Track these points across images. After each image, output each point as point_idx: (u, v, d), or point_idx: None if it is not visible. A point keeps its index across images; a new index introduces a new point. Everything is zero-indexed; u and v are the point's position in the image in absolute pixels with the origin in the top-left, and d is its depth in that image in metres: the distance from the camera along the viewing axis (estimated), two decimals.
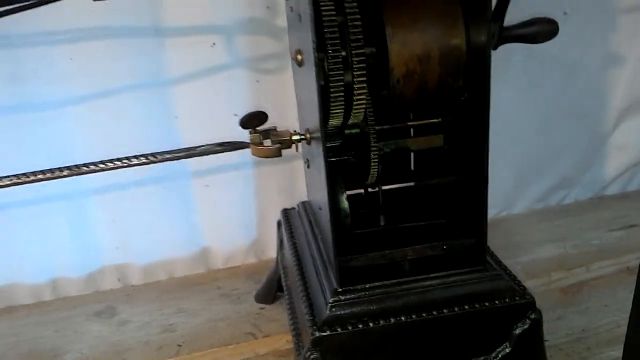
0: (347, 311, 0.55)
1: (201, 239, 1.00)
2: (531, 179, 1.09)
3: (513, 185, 1.07)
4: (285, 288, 0.75)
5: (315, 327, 0.55)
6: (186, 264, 1.01)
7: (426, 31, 0.53)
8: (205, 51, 0.87)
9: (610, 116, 1.08)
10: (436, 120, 0.63)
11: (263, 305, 0.88)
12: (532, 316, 0.57)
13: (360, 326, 0.55)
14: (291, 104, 0.92)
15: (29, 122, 0.85)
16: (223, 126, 0.92)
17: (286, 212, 0.81)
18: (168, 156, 0.64)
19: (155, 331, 0.83)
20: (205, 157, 0.77)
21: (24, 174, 0.69)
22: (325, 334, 0.54)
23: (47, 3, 0.51)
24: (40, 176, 0.70)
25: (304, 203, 0.79)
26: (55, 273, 0.96)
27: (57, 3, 0.60)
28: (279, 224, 0.82)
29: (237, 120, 0.91)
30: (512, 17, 0.58)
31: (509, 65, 0.94)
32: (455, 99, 0.56)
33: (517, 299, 0.57)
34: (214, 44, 0.87)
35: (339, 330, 0.54)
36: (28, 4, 0.50)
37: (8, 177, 0.66)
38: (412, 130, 0.66)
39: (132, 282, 1.00)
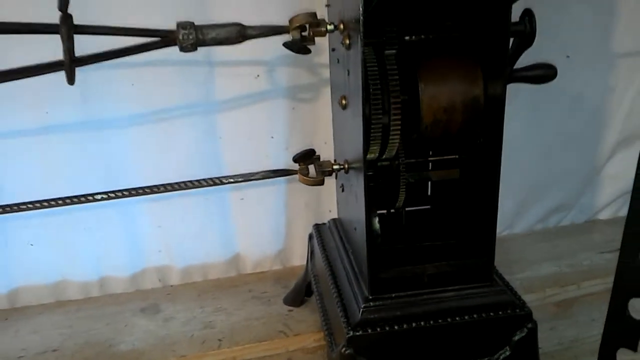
0: (376, 315, 0.66)
1: (234, 245, 1.12)
2: (531, 202, 1.20)
3: (515, 207, 1.18)
4: (316, 293, 0.86)
5: (349, 328, 0.66)
6: (219, 268, 1.13)
7: (451, 86, 0.64)
8: (249, 81, 0.99)
9: (604, 148, 1.20)
10: (454, 157, 0.74)
11: (291, 308, 0.99)
12: (529, 326, 0.68)
13: (387, 328, 0.66)
14: (321, 128, 1.05)
15: (92, 138, 0.96)
16: (261, 146, 1.04)
17: (317, 227, 0.92)
18: (231, 180, 0.75)
19: (197, 327, 0.94)
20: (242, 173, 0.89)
21: (84, 195, 0.81)
22: (358, 333, 0.65)
23: (133, 53, 0.62)
24: (98, 197, 0.82)
25: (334, 220, 0.90)
26: (103, 272, 1.08)
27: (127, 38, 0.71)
28: (310, 237, 0.93)
29: (274, 141, 1.05)
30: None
31: (515, 101, 1.06)
32: (473, 141, 0.68)
33: (517, 310, 0.68)
34: (258, 75, 0.99)
35: (369, 330, 0.66)
36: (118, 52, 0.62)
37: (70, 197, 0.78)
38: (430, 164, 0.77)
39: (170, 282, 1.11)
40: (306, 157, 0.72)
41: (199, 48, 0.63)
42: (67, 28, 0.55)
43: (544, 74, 0.71)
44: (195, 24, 0.62)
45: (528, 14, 0.62)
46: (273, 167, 1.01)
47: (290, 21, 0.64)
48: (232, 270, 1.14)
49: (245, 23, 0.65)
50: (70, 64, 0.56)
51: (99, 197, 0.84)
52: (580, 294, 0.98)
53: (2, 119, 0.92)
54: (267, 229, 1.12)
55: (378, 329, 0.66)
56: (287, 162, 1.06)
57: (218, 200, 1.07)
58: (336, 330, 0.72)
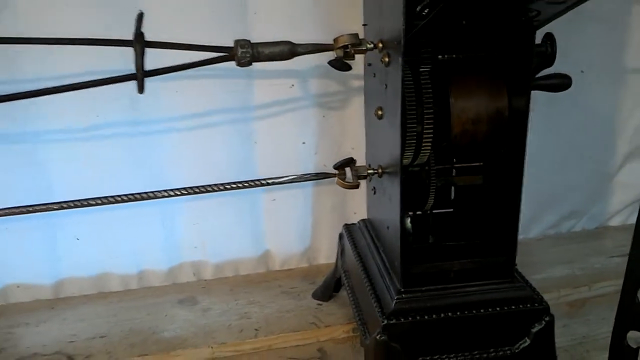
0: (407, 306, 0.73)
1: (264, 243, 1.19)
2: (546, 209, 1.26)
3: (530, 213, 1.25)
4: (347, 287, 0.93)
5: (383, 317, 0.73)
6: (250, 264, 1.19)
7: (479, 100, 0.71)
8: (284, 90, 1.06)
9: (616, 159, 1.26)
10: (478, 164, 0.81)
11: (320, 302, 1.06)
12: (546, 319, 0.75)
13: (417, 317, 0.73)
14: (349, 135, 1.12)
15: (138, 142, 1.04)
16: (292, 151, 1.11)
17: (348, 227, 0.99)
18: (277, 180, 0.82)
19: (234, 317, 1.01)
20: (274, 175, 0.96)
21: (128, 195, 0.88)
22: (391, 322, 0.72)
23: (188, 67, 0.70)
24: (141, 196, 0.90)
25: (363, 220, 0.97)
26: (142, 266, 1.15)
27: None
28: (341, 236, 1.00)
29: (304, 146, 1.12)
30: None
31: (532, 114, 1.12)
32: (496, 150, 0.75)
33: (536, 305, 0.75)
34: (292, 85, 1.06)
35: (402, 319, 0.73)
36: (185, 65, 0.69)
37: (115, 196, 0.86)
38: (454, 170, 0.84)
39: (204, 276, 1.18)
40: (345, 164, 0.79)
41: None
42: (141, 45, 0.62)
43: (560, 83, 0.78)
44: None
45: (550, 38, 0.69)
46: (303, 171, 1.08)
47: (335, 41, 0.72)
48: (262, 267, 1.21)
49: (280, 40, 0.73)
50: (142, 76, 0.63)
51: (141, 196, 0.91)
52: (591, 295, 1.05)
53: (56, 122, 1.00)
54: (296, 228, 1.19)
55: (409, 318, 0.73)
56: (316, 166, 1.13)
57: (251, 200, 1.14)
58: (369, 320, 0.79)
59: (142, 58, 0.63)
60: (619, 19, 1.14)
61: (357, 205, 1.18)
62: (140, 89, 0.66)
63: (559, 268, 1.12)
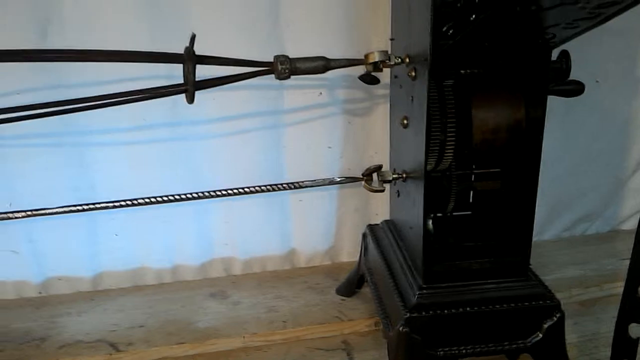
0: (428, 301, 0.79)
1: (290, 241, 1.25)
2: (560, 212, 1.31)
3: (545, 216, 1.30)
4: (370, 283, 0.99)
5: (406, 310, 0.79)
6: (276, 261, 1.26)
7: (498, 111, 0.77)
8: (313, 98, 1.12)
9: (629, 164, 1.31)
10: (496, 170, 0.87)
11: (344, 297, 1.12)
12: (558, 315, 0.81)
13: (438, 312, 0.79)
14: (372, 140, 1.18)
15: (177, 145, 1.11)
16: (318, 155, 1.18)
17: (371, 227, 1.05)
18: (308, 184, 0.88)
19: (263, 310, 1.08)
20: (301, 178, 1.03)
21: (167, 195, 0.95)
22: (414, 315, 0.78)
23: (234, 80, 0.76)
24: (178, 197, 0.96)
25: (386, 221, 1.03)
26: (176, 261, 1.22)
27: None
28: (364, 235, 1.07)
29: (330, 151, 1.18)
30: None
31: (548, 121, 1.18)
32: (514, 157, 0.81)
33: (548, 301, 0.81)
34: (321, 93, 1.12)
35: (423, 313, 0.79)
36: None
37: (153, 197, 0.93)
38: (473, 175, 0.90)
39: (234, 272, 1.25)
40: (374, 169, 0.85)
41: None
42: (193, 61, 0.69)
43: (574, 88, 0.84)
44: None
45: (565, 55, 0.74)
46: (328, 174, 1.15)
47: (366, 57, 0.78)
48: (287, 264, 1.27)
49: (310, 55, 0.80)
50: (193, 89, 0.70)
51: (179, 198, 0.98)
52: (602, 295, 1.10)
53: (102, 126, 1.07)
54: (320, 228, 1.25)
55: (430, 312, 0.79)
56: (341, 170, 1.20)
57: (279, 201, 1.21)
58: (392, 314, 0.85)
59: (193, 73, 0.70)
60: (633, 31, 1.19)
61: (379, 207, 1.25)
62: (191, 100, 0.73)
63: (571, 269, 1.18)
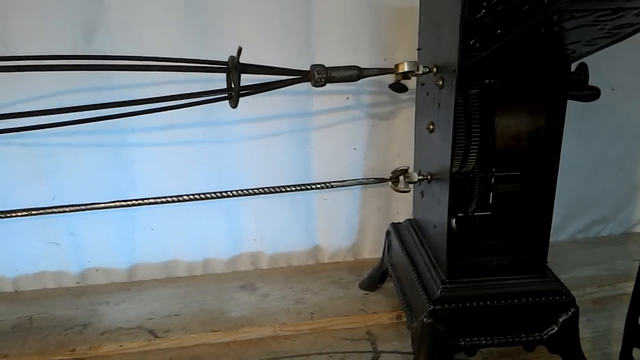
0: (451, 294, 0.85)
1: (315, 238, 1.31)
2: (576, 214, 1.36)
3: (561, 218, 1.35)
4: (394, 278, 1.05)
5: (430, 303, 0.85)
6: (301, 256, 1.32)
7: (520, 119, 0.82)
8: (340, 103, 1.18)
9: None
10: (516, 173, 0.92)
11: (367, 292, 1.18)
12: (572, 310, 0.86)
13: (460, 305, 0.85)
14: (395, 143, 1.24)
15: (211, 147, 1.17)
16: (344, 157, 1.24)
17: (394, 225, 1.11)
18: (342, 184, 0.94)
19: (291, 302, 1.14)
20: (327, 178, 1.09)
21: (200, 194, 1.00)
22: (437, 307, 0.84)
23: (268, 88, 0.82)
24: (214, 195, 1.02)
25: (409, 220, 1.09)
26: (207, 254, 1.28)
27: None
28: (388, 233, 1.12)
29: (355, 152, 1.24)
30: None
31: (566, 129, 1.23)
32: (534, 162, 0.86)
33: (564, 297, 0.86)
34: (347, 97, 1.18)
35: (446, 306, 0.84)
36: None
37: (188, 194, 0.99)
38: (493, 178, 0.95)
39: (261, 266, 1.31)
40: (400, 172, 0.91)
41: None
42: (238, 71, 0.75)
43: (590, 94, 0.89)
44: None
45: (583, 68, 0.80)
46: (353, 174, 1.21)
47: (396, 67, 0.84)
48: (312, 259, 1.33)
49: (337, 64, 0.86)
50: (237, 96, 0.76)
51: (211, 196, 1.04)
52: (615, 294, 1.15)
53: (142, 127, 1.13)
54: (344, 226, 1.31)
55: (452, 305, 0.84)
56: (364, 171, 1.26)
57: (305, 199, 1.27)
58: (416, 306, 0.91)
59: (239, 82, 0.76)
60: None
61: (400, 206, 1.30)
62: (235, 106, 0.79)
63: (586, 269, 1.23)
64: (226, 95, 0.80)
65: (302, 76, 0.81)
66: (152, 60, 0.89)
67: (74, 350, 1.01)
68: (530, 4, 0.73)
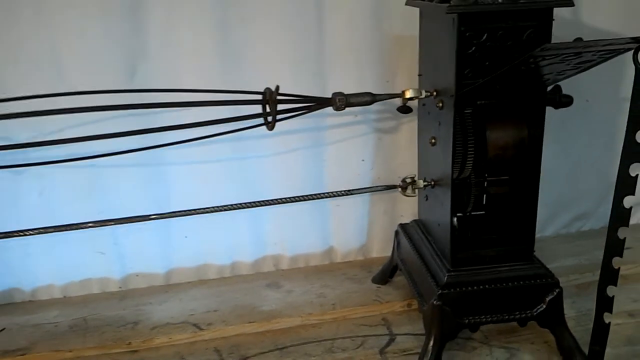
0: (455, 280, 1.02)
1: (329, 240, 1.47)
2: (559, 212, 1.53)
3: (545, 216, 1.51)
4: (404, 271, 1.21)
5: (438, 288, 1.01)
6: (317, 257, 1.48)
7: (507, 132, 0.99)
8: (350, 120, 1.35)
9: (617, 170, 1.53)
10: (505, 177, 1.09)
11: (379, 285, 1.34)
12: (557, 290, 1.03)
13: (463, 289, 1.01)
14: (399, 154, 1.40)
15: (238, 165, 1.33)
16: (353, 167, 1.40)
17: (402, 225, 1.28)
18: (358, 191, 1.11)
19: (313, 296, 1.30)
20: (339, 186, 1.26)
21: (227, 205, 1.17)
22: (444, 291, 1.01)
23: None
24: (240, 205, 1.19)
25: (415, 220, 1.25)
26: (234, 258, 1.44)
27: None
28: (397, 232, 1.29)
29: (363, 163, 1.40)
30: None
31: (547, 137, 1.38)
32: (519, 167, 1.03)
33: (549, 280, 1.03)
34: (356, 115, 1.35)
35: (452, 290, 1.01)
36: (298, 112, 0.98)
37: (217, 206, 1.15)
38: (486, 182, 1.12)
39: (282, 267, 1.47)
40: (410, 183, 1.08)
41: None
42: (274, 102, 0.92)
43: (565, 101, 1.04)
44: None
45: (558, 89, 0.97)
46: (362, 183, 1.38)
47: (403, 92, 1.01)
48: (327, 259, 1.49)
49: (348, 91, 1.03)
50: (274, 122, 0.93)
51: (237, 205, 1.21)
52: (594, 280, 1.27)
53: (178, 146, 1.29)
54: (354, 228, 1.47)
55: (457, 289, 1.01)
56: (372, 179, 1.42)
57: (320, 206, 1.43)
58: (426, 293, 1.07)
59: (275, 112, 0.93)
60: (617, 59, 1.41)
61: (403, 210, 1.47)
62: (272, 129, 0.96)
63: (569, 259, 1.40)
64: (264, 121, 0.96)
65: (325, 103, 0.98)
66: (191, 92, 1.06)
67: (129, 343, 1.17)
68: (512, 40, 0.90)
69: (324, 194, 1.17)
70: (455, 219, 1.03)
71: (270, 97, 0.93)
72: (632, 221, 1.56)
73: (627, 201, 0.84)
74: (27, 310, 1.33)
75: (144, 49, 1.20)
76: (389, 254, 1.36)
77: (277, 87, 0.94)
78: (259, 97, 0.99)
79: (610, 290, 0.85)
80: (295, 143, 1.36)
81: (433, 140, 1.05)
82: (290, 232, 1.44)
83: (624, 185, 0.81)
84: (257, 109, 1.03)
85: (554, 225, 1.56)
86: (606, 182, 1.53)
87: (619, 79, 1.44)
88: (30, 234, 1.15)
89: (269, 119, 0.98)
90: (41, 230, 1.14)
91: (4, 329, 1.26)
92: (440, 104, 0.98)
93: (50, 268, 1.37)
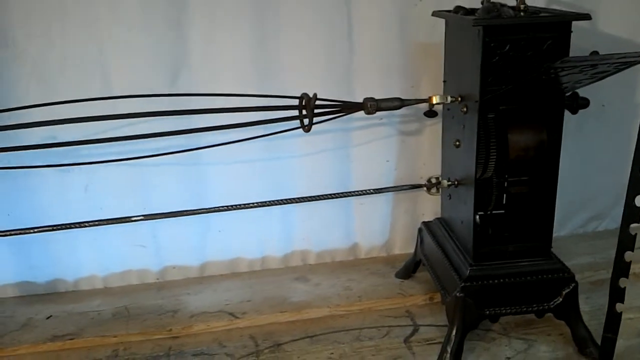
0: (477, 274, 1.09)
1: (353, 237, 1.55)
2: (575, 212, 1.59)
3: (562, 216, 1.57)
4: (427, 266, 1.28)
5: (461, 281, 1.09)
6: (342, 253, 1.56)
7: (527, 136, 1.06)
8: (376, 124, 1.42)
9: None
10: (525, 178, 1.16)
11: (402, 280, 1.42)
12: (573, 285, 1.10)
13: (484, 282, 1.08)
14: (421, 155, 1.47)
15: (270, 166, 1.41)
16: (378, 167, 1.47)
17: (425, 223, 1.35)
18: (384, 190, 1.18)
19: (340, 289, 1.38)
20: (365, 186, 1.34)
21: (259, 202, 1.25)
22: (467, 284, 1.08)
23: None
24: (272, 202, 1.27)
25: (437, 219, 1.33)
26: (265, 252, 1.52)
27: None
28: (420, 230, 1.36)
29: (388, 164, 1.47)
30: None
31: (565, 140, 1.45)
32: (539, 168, 1.10)
33: (566, 274, 1.09)
34: (381, 118, 1.42)
35: (474, 283, 1.08)
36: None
37: (249, 203, 1.23)
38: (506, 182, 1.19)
39: (309, 262, 1.55)
40: (436, 184, 1.15)
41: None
42: (312, 108, 1.00)
43: (582, 103, 1.11)
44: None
45: (575, 96, 1.04)
46: (386, 183, 1.45)
47: (430, 98, 1.08)
48: (351, 255, 1.57)
49: (374, 95, 1.10)
50: (311, 125, 1.01)
51: (268, 202, 1.29)
52: (608, 277, 1.35)
53: (216, 149, 1.37)
54: (377, 226, 1.55)
55: (479, 282, 1.08)
56: (395, 179, 1.49)
57: (345, 204, 1.51)
58: (448, 286, 1.14)
59: (312, 117, 1.01)
60: (633, 67, 1.47)
61: (424, 209, 1.54)
62: (308, 130, 1.03)
63: (584, 257, 1.46)
64: (300, 124, 1.04)
65: (357, 107, 1.05)
66: (230, 96, 1.15)
67: (170, 330, 1.25)
68: (533, 50, 0.98)
69: (352, 192, 1.25)
70: (477, 216, 1.10)
71: (307, 103, 1.01)
72: None
73: (639, 200, 0.89)
74: (71, 300, 1.42)
75: (186, 58, 1.29)
76: (411, 251, 1.43)
77: (315, 95, 1.02)
78: (295, 101, 1.07)
79: (622, 282, 0.91)
80: (324, 144, 1.43)
81: (457, 143, 1.12)
82: (317, 228, 1.52)
83: (636, 184, 0.87)
84: (292, 112, 1.11)
85: (570, 225, 1.62)
86: (620, 184, 1.57)
87: (634, 86, 1.51)
88: (77, 227, 1.24)
89: (305, 121, 1.05)
90: (88, 223, 1.23)
91: (50, 316, 1.35)
92: (465, 109, 1.05)
93: (93, 260, 1.46)
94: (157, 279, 1.50)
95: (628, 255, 0.89)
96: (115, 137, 1.16)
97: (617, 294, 0.90)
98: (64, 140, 1.12)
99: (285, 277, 1.47)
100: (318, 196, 1.35)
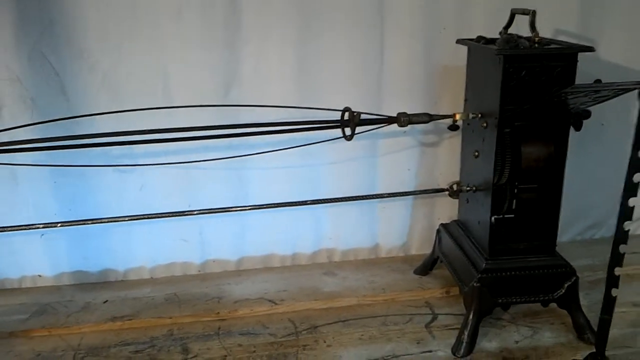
0: (492, 267, 1.26)
1: (375, 238, 1.71)
2: (574, 220, 1.76)
3: (563, 223, 1.72)
4: (445, 262, 1.45)
5: (478, 273, 1.25)
6: (365, 252, 1.72)
7: (537, 148, 1.23)
8: (398, 136, 1.60)
9: None
10: (534, 186, 1.33)
11: (420, 276, 1.58)
12: (574, 278, 1.26)
13: (498, 274, 1.25)
14: (439, 164, 1.64)
15: (304, 172, 1.58)
16: (400, 175, 1.64)
17: (443, 225, 1.52)
18: (411, 194, 1.35)
19: (365, 283, 1.55)
20: (388, 191, 1.51)
21: (294, 202, 1.42)
22: (483, 276, 1.25)
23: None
24: (304, 202, 1.43)
25: (454, 221, 1.50)
26: (295, 249, 1.69)
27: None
28: (438, 231, 1.53)
29: (409, 172, 1.64)
30: None
31: (569, 156, 1.64)
32: (547, 177, 1.27)
33: (568, 269, 1.26)
34: (405, 131, 1.59)
35: (489, 275, 1.25)
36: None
37: (285, 202, 1.40)
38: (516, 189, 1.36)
39: (334, 259, 1.71)
40: (457, 191, 1.32)
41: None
42: (354, 123, 1.17)
43: (584, 114, 1.28)
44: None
45: (577, 116, 1.21)
46: (407, 189, 1.62)
47: (454, 115, 1.26)
48: (373, 254, 1.73)
49: (401, 109, 1.27)
50: (352, 136, 1.18)
51: (300, 202, 1.46)
52: (605, 277, 1.54)
53: (258, 157, 1.54)
54: (397, 228, 1.71)
55: (493, 274, 1.25)
56: (416, 186, 1.66)
57: (369, 208, 1.67)
58: (466, 278, 1.31)
59: (354, 130, 1.18)
60: None
61: (440, 213, 1.70)
62: (350, 139, 1.21)
63: (583, 260, 1.62)
64: (342, 134, 1.21)
65: (392, 121, 1.23)
66: (275, 107, 1.32)
67: (218, 313, 1.41)
68: (545, 76, 1.15)
69: (378, 194, 1.41)
70: (493, 218, 1.27)
71: (352, 119, 1.18)
72: (638, 231, 1.82)
73: (631, 201, 1.06)
74: (122, 287, 1.58)
75: (237, 74, 1.46)
76: (427, 251, 1.60)
77: (359, 114, 1.19)
78: (337, 114, 1.24)
79: (617, 271, 1.08)
80: (353, 153, 1.60)
81: (476, 153, 1.29)
82: (343, 229, 1.68)
83: (629, 189, 1.04)
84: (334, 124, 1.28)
85: (571, 232, 1.79)
86: (616, 196, 1.74)
87: (631, 107, 1.68)
88: (129, 220, 1.40)
89: (347, 132, 1.22)
90: (139, 216, 1.39)
91: (107, 300, 1.51)
92: (485, 124, 1.23)
93: (143, 252, 1.62)
94: (199, 271, 1.66)
95: (622, 248, 1.05)
96: (167, 138, 1.31)
97: (612, 281, 1.07)
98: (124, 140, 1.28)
99: (314, 272, 1.63)
100: (346, 197, 1.51)
